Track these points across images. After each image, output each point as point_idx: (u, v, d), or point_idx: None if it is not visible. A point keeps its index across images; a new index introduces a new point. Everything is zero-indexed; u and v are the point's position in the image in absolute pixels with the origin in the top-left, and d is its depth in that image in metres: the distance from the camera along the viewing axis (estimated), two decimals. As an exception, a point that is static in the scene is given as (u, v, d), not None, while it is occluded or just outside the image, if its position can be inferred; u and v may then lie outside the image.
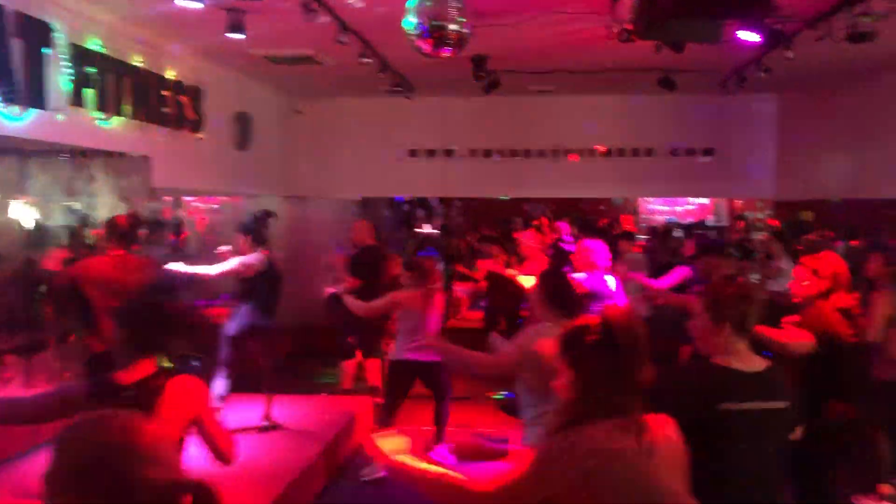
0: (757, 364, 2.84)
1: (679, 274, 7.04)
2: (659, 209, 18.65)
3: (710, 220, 17.14)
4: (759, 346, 3.17)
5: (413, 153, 11.67)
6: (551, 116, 11.40)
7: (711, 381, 2.79)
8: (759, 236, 12.48)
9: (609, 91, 10.72)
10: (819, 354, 4.03)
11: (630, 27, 5.72)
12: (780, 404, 2.80)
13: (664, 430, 2.22)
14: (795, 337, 4.04)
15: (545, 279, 4.07)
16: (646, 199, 17.71)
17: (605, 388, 2.17)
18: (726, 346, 2.82)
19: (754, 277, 9.74)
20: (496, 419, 7.62)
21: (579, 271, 6.19)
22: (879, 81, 9.31)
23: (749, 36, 6.15)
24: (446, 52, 5.51)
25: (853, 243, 9.47)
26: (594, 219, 14.97)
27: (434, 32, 5.35)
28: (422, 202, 16.76)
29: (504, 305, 8.73)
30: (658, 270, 7.95)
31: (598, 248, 6.36)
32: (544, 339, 3.33)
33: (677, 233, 11.94)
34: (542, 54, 8.27)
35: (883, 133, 9.49)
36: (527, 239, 8.89)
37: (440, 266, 8.87)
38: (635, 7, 5.37)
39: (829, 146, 10.73)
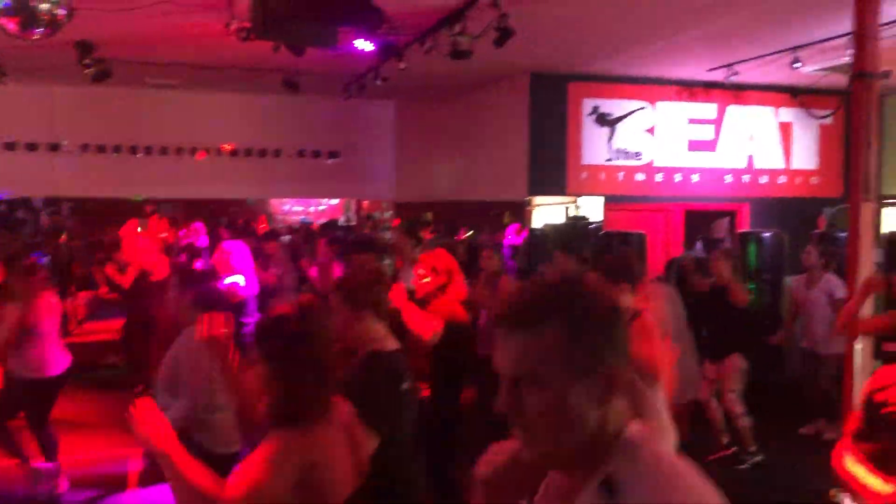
0: (396, 343, 2.93)
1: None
2: (294, 209, 18.85)
3: (342, 219, 17.75)
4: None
5: (10, 146, 10.25)
6: (175, 112, 10.83)
7: (390, 366, 2.81)
8: (388, 235, 13.18)
9: (235, 89, 10.49)
10: (446, 343, 4.27)
11: (247, 25, 5.61)
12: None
13: (346, 418, 2.26)
14: (431, 325, 4.21)
15: (187, 282, 3.80)
16: (280, 199, 17.76)
17: (311, 383, 2.11)
18: (373, 331, 2.83)
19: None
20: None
21: (220, 273, 5.92)
22: (479, 95, 10.42)
23: (364, 45, 6.42)
24: (37, 34, 4.87)
25: (458, 238, 10.42)
26: (235, 219, 14.57)
27: (21, 10, 4.69)
28: (24, 201, 14.82)
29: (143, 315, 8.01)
30: (302, 270, 7.95)
31: (237, 250, 6.15)
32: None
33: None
34: (159, 45, 7.78)
35: (483, 142, 10.64)
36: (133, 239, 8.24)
37: (47, 272, 7.84)
38: (252, 5, 5.27)
39: (440, 152, 11.76)
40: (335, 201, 18.04)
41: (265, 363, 2.16)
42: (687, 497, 1.17)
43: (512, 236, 10.34)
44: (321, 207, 18.89)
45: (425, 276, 4.54)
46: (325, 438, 2.12)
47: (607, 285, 3.56)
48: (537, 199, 9.96)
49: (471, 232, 10.76)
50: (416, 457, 2.91)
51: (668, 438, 3.46)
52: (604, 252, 7.69)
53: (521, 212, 9.98)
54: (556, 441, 1.23)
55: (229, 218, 14.06)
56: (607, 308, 1.27)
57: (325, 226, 15.20)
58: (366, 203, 16.04)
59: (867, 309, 4.68)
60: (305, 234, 11.98)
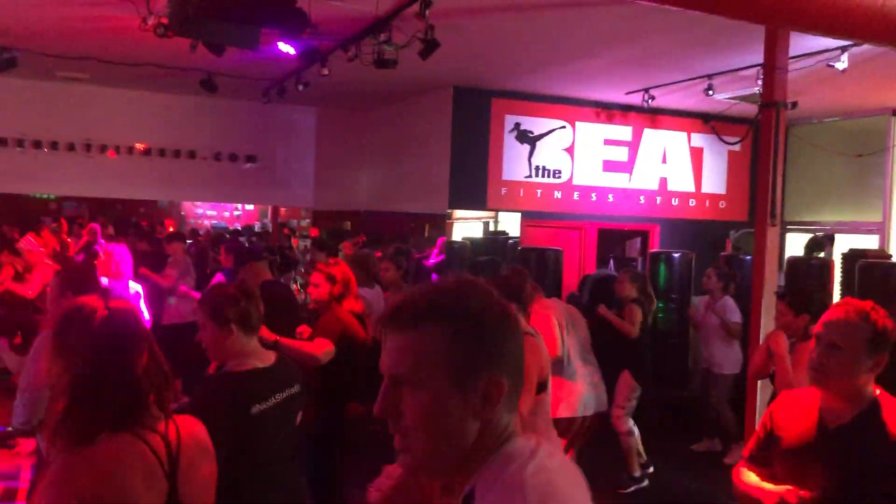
0: (271, 357, 2.84)
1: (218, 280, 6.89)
2: (207, 213, 18.33)
3: (257, 226, 17.38)
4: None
5: None
6: (86, 107, 10.40)
7: (239, 388, 2.70)
8: (304, 244, 12.99)
9: (150, 87, 10.16)
10: (337, 354, 4.20)
11: (165, 21, 5.42)
12: (296, 389, 2.86)
13: (192, 431, 1.98)
14: (321, 347, 4.14)
15: (69, 285, 3.58)
16: (193, 202, 17.25)
17: (114, 389, 1.78)
18: (240, 348, 2.76)
19: (298, 284, 10.08)
20: None
21: (105, 277, 5.66)
22: (403, 105, 10.41)
23: (286, 48, 6.31)
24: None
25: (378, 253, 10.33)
26: (136, 221, 14.03)
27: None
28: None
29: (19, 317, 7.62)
30: (206, 277, 7.71)
31: (122, 254, 5.91)
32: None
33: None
34: (71, 38, 7.45)
35: (405, 153, 10.63)
36: (27, 245, 7.86)
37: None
38: (170, 1, 5.10)
39: (361, 161, 11.68)
40: (251, 207, 17.65)
41: (60, 360, 1.83)
42: None
43: (439, 249, 10.32)
44: (236, 213, 18.45)
45: (320, 286, 4.46)
46: (123, 458, 1.78)
47: None
48: (457, 213, 9.99)
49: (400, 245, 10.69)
50: (282, 479, 2.80)
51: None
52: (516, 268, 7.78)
53: (441, 225, 9.99)
54: (432, 449, 1.19)
55: (129, 219, 13.50)
56: (497, 316, 1.22)
57: (233, 232, 14.87)
58: (283, 210, 15.76)
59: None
60: (213, 239, 11.64)
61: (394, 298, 1.28)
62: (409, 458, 1.21)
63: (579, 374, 5.14)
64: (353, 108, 11.25)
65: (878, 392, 2.21)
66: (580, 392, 5.11)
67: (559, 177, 9.67)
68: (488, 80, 8.81)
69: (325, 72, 7.28)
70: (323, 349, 4.11)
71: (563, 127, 9.64)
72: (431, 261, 9.64)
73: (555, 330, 4.95)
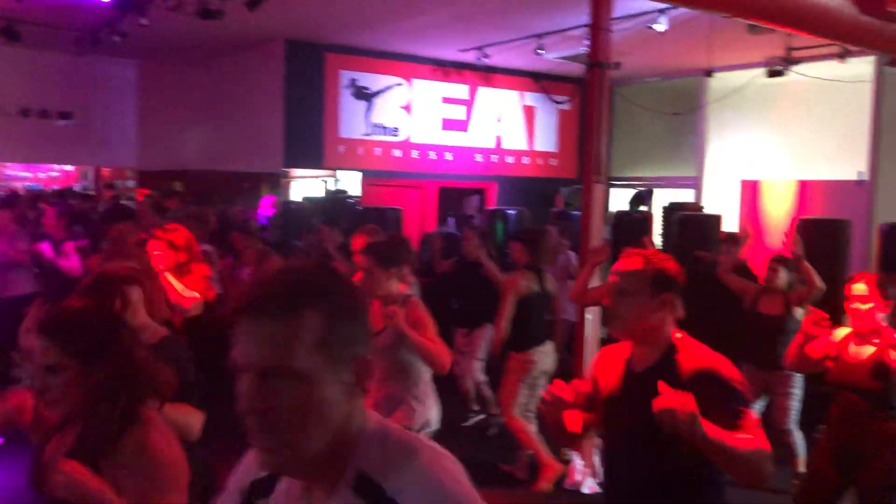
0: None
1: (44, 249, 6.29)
2: (19, 175, 16.82)
3: (78, 187, 16.16)
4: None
5: None
6: None
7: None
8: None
9: (-59, 34, 9.08)
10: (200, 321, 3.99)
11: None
12: None
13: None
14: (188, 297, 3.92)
15: None
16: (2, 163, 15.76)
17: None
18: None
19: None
20: None
21: None
22: (232, 59, 9.93)
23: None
24: None
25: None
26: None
27: None
28: None
29: None
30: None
31: None
32: None
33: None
34: None
35: (236, 109, 10.18)
36: None
37: None
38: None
39: (190, 118, 11.07)
40: (71, 168, 16.38)
41: (75, 368, 1.83)
42: (450, 477, 1.14)
43: (266, 208, 10.03)
44: (53, 174, 17.06)
45: (159, 251, 4.12)
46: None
47: (377, 270, 3.51)
48: (296, 172, 9.74)
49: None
50: None
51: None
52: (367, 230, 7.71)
53: (277, 184, 9.70)
54: (306, 441, 1.11)
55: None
56: (360, 295, 1.20)
57: (58, 194, 13.75)
58: (106, 171, 14.73)
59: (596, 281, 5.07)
60: (30, 202, 10.68)
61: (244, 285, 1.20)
62: (280, 457, 1.12)
63: None
64: (178, 61, 10.61)
65: (677, 336, 2.31)
66: None
67: (397, 134, 9.63)
68: (322, 33, 8.56)
69: (144, 21, 6.79)
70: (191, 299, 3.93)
71: (400, 84, 9.58)
72: (263, 219, 9.37)
73: None
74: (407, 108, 9.66)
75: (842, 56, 7.64)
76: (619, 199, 10.68)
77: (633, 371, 2.33)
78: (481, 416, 6.52)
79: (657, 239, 8.69)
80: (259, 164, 9.70)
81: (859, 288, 3.55)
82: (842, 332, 3.70)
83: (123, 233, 4.87)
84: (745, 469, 2.08)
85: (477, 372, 6.32)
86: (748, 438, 2.07)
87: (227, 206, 9.67)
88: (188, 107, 10.99)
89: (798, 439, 5.23)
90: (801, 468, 5.10)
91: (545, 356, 5.24)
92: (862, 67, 7.95)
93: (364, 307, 1.21)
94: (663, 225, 8.71)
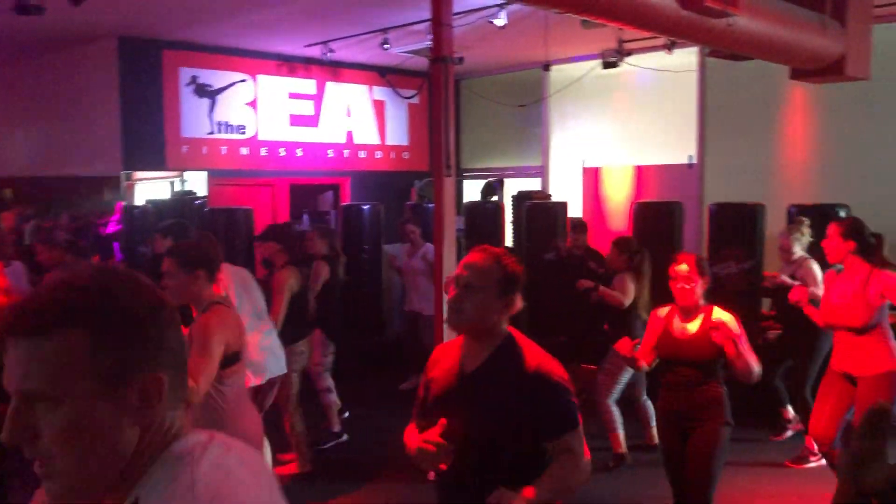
0: None
1: None
2: None
3: None
4: None
5: None
6: None
7: None
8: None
9: None
10: None
11: None
12: None
13: None
14: None
15: None
16: None
17: None
18: None
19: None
20: None
21: None
22: (61, 57, 9.31)
23: None
24: None
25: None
26: None
27: None
28: None
29: None
30: None
31: None
32: None
33: None
34: None
35: (68, 110, 9.56)
36: None
37: None
38: None
39: (16, 121, 10.30)
40: None
41: None
42: (216, 494, 1.04)
43: (115, 219, 9.49)
44: None
45: None
46: None
47: (180, 273, 3.31)
48: (140, 174, 9.28)
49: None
50: None
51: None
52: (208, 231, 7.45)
53: (118, 187, 9.20)
54: (85, 467, 1.04)
55: None
56: (147, 307, 1.09)
57: None
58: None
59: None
60: None
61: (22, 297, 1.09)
62: (57, 485, 1.04)
63: (254, 343, 4.78)
64: (1, 59, 9.83)
65: (510, 333, 2.35)
66: (253, 360, 4.83)
67: (244, 132, 9.38)
68: (158, 30, 8.19)
69: (-45, 17, 6.24)
70: None
71: (245, 80, 9.33)
72: (110, 228, 8.89)
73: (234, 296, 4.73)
74: (253, 104, 9.43)
75: (669, 48, 8.15)
76: (473, 190, 10.91)
77: (466, 370, 2.34)
78: (346, 414, 6.44)
79: (508, 227, 8.96)
80: (97, 167, 9.17)
81: (682, 269, 3.84)
82: (665, 309, 3.99)
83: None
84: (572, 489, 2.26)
85: (317, 377, 6.02)
86: (565, 466, 2.20)
87: (79, 214, 9.13)
88: (14, 109, 10.22)
89: (649, 408, 5.59)
90: (656, 440, 5.44)
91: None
92: (688, 58, 8.51)
93: (154, 321, 1.09)
94: (514, 213, 8.99)
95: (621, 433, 5.56)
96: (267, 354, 4.87)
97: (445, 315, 2.39)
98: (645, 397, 5.80)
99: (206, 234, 5.05)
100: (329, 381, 6.10)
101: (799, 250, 5.79)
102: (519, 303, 2.35)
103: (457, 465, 2.23)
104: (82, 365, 1.03)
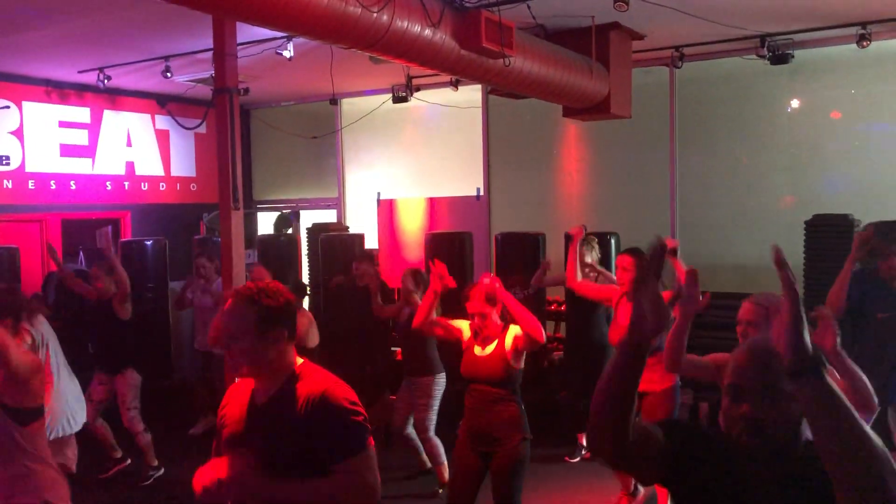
0: None
1: None
2: None
3: None
4: None
5: None
6: None
7: None
8: None
9: None
10: None
11: None
12: None
13: None
14: None
15: None
16: None
17: None
18: None
19: None
20: None
21: None
22: None
23: None
24: None
25: None
26: None
27: None
28: None
29: None
30: None
31: None
32: None
33: None
34: None
35: None
36: None
37: None
38: None
39: None
40: None
41: None
42: None
43: None
44: None
45: None
46: None
47: None
48: None
49: None
50: None
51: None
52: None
53: None
54: None
55: None
56: None
57: None
58: None
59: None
60: None
61: None
62: None
63: (64, 392, 4.68)
64: None
65: (299, 363, 2.32)
66: (61, 411, 4.65)
67: (8, 163, 8.54)
68: None
69: None
70: None
71: (8, 107, 8.52)
72: None
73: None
74: (18, 133, 8.63)
75: (455, 84, 8.49)
76: (267, 222, 10.67)
77: (256, 404, 2.30)
78: (127, 462, 6.14)
79: (304, 260, 8.84)
80: None
81: (472, 301, 4.08)
82: (465, 324, 4.19)
83: None
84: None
85: (132, 422, 5.95)
86: (335, 483, 2.16)
87: None
88: None
89: (439, 446, 5.70)
90: (447, 476, 5.56)
91: None
92: (473, 94, 8.91)
93: None
94: (309, 246, 8.89)
95: (445, 463, 5.62)
96: (74, 404, 4.68)
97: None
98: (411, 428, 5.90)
99: (10, 285, 4.65)
100: (142, 423, 6.09)
101: (594, 259, 6.15)
102: (283, 332, 2.28)
103: (249, 499, 2.18)
104: None
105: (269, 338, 2.24)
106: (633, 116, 7.16)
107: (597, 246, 6.26)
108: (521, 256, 7.33)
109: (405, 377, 5.79)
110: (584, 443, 6.40)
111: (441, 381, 5.68)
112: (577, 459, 6.36)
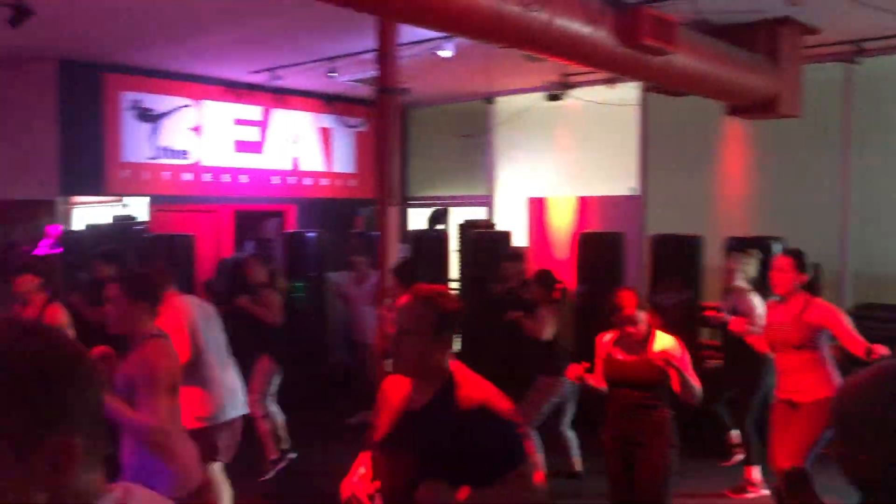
0: None
1: None
2: None
3: None
4: None
5: None
6: None
7: None
8: None
9: None
10: None
11: None
12: None
13: None
14: None
15: None
16: None
17: None
18: None
19: None
20: None
21: None
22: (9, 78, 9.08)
23: None
24: None
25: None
26: None
27: None
28: None
29: None
30: None
31: None
32: None
33: None
34: None
35: (13, 131, 9.29)
36: None
37: None
38: None
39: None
40: None
41: None
42: None
43: (50, 238, 9.21)
44: None
45: None
46: None
47: (124, 304, 3.22)
48: (78, 199, 9.05)
49: None
50: None
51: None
52: (148, 257, 7.30)
53: (53, 211, 8.95)
54: None
55: None
56: (59, 365, 1.02)
57: None
58: None
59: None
60: None
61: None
62: None
63: (216, 379, 4.63)
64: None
65: (453, 367, 2.34)
66: (218, 398, 4.62)
67: (187, 157, 9.25)
68: (99, 53, 8.05)
69: None
70: None
71: (189, 105, 9.22)
72: (40, 251, 8.63)
73: (186, 332, 4.56)
74: (197, 129, 9.31)
75: (611, 82, 8.34)
76: (419, 218, 10.93)
77: (411, 409, 2.33)
78: (292, 455, 6.25)
79: (453, 255, 8.99)
80: (32, 191, 8.92)
81: (624, 308, 3.99)
82: (609, 335, 4.11)
83: None
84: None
85: (253, 406, 5.74)
86: (512, 483, 2.16)
87: (10, 238, 8.84)
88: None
89: (572, 439, 5.66)
90: (578, 467, 5.54)
91: None
92: (629, 92, 8.72)
93: (67, 383, 1.02)
94: (459, 242, 9.03)
95: (576, 457, 5.63)
96: (227, 394, 4.69)
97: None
98: (564, 427, 5.78)
99: (159, 266, 4.82)
100: (268, 409, 6.03)
101: (741, 280, 5.89)
102: (451, 338, 2.35)
103: None
104: None
105: (441, 341, 2.31)
106: (802, 115, 6.76)
107: (755, 261, 5.92)
108: (676, 259, 7.10)
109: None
110: (734, 441, 6.08)
111: (563, 383, 5.48)
112: (739, 459, 6.00)
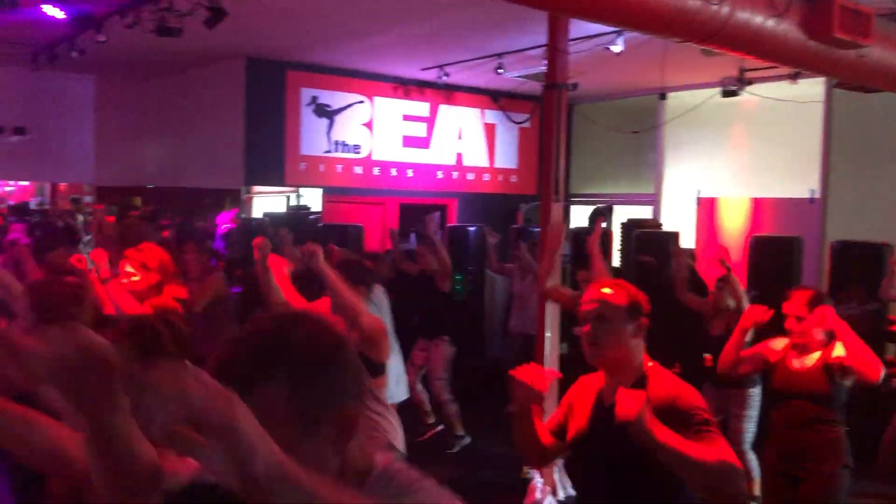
0: None
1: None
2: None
3: (34, 202, 15.85)
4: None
5: None
6: None
7: None
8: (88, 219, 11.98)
9: None
10: None
11: None
12: None
13: None
14: None
15: None
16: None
17: None
18: None
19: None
20: None
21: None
22: (192, 76, 9.86)
23: (53, 11, 5.75)
24: None
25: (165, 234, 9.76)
26: None
27: None
28: None
29: None
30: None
31: None
32: None
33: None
34: None
35: (195, 126, 10.10)
36: None
37: None
38: None
39: (148, 134, 10.96)
40: (24, 182, 16.05)
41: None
42: None
43: (225, 223, 9.93)
44: (8, 188, 16.70)
45: (134, 275, 3.94)
46: None
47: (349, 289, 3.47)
48: (257, 188, 9.70)
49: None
50: None
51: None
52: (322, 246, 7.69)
53: (237, 200, 9.64)
54: None
55: None
56: (331, 346, 1.16)
57: (13, 209, 13.46)
58: (63, 186, 14.48)
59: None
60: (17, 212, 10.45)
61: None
62: None
63: (394, 362, 4.98)
64: (137, 77, 10.50)
65: (649, 364, 2.37)
66: (394, 379, 5.01)
67: (359, 151, 9.64)
68: (283, 51, 8.56)
69: (102, 38, 6.74)
70: None
71: (362, 101, 9.60)
72: (221, 230, 9.29)
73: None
74: (368, 125, 9.68)
75: (793, 77, 7.85)
76: (580, 215, 10.79)
77: (605, 404, 2.34)
78: (440, 427, 6.58)
79: (616, 255, 8.80)
80: (219, 180, 9.64)
81: (791, 301, 3.70)
82: (781, 342, 3.81)
83: (56, 262, 4.61)
84: (707, 479, 2.09)
85: (439, 390, 6.40)
86: (709, 450, 2.07)
87: (186, 220, 9.58)
88: (146, 123, 10.88)
89: (753, 461, 5.31)
90: (757, 491, 5.19)
91: None
92: (813, 88, 8.17)
93: (339, 359, 1.16)
94: (622, 241, 8.83)
95: (757, 480, 5.27)
96: (398, 377, 5.04)
97: (584, 349, 2.41)
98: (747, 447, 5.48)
99: (369, 255, 5.29)
100: (449, 393, 6.50)
101: None
102: (644, 323, 2.38)
103: (600, 501, 2.30)
104: (281, 413, 1.09)
105: (634, 327, 2.35)
106: None
107: None
108: (860, 268, 6.59)
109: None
110: None
111: (756, 392, 5.25)
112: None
